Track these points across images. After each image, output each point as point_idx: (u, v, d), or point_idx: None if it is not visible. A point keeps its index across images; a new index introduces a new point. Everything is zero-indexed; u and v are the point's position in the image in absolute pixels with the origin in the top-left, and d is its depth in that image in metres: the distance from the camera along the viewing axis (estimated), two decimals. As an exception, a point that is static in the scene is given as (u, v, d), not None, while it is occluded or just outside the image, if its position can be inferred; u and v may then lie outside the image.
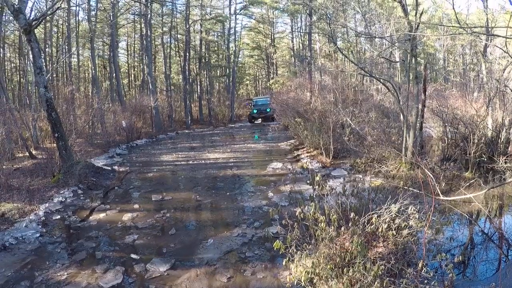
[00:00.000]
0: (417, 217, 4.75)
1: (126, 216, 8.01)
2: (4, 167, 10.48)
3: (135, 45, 41.80)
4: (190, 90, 34.81)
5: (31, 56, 12.57)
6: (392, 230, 4.72)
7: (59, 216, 8.11)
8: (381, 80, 12.21)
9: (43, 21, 13.85)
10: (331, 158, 12.59)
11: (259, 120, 31.48)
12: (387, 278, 3.75)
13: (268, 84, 43.42)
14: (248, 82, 61.51)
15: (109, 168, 13.20)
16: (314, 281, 3.88)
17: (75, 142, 13.77)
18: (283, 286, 4.49)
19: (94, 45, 28.14)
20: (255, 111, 31.38)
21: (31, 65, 14.19)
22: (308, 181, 9.80)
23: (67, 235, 7.15)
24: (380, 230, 4.69)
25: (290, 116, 17.81)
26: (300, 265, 3.83)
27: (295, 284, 4.11)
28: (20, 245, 6.55)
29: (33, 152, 14.90)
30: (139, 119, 22.58)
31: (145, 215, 8.16)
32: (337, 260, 4.02)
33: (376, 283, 3.61)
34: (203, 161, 14.50)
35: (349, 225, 4.48)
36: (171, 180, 11.65)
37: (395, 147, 11.07)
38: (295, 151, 15.54)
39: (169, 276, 5.28)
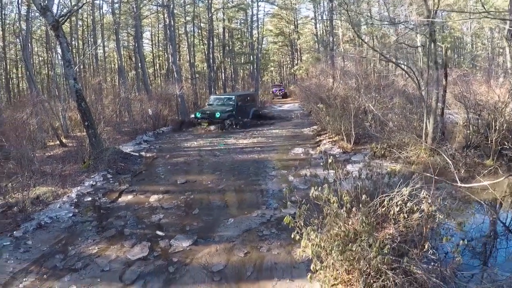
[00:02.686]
0: (429, 201, 4.83)
1: (153, 198, 8.46)
2: (37, 154, 11.03)
3: (159, 35, 42.32)
4: (215, 78, 35.06)
5: (59, 50, 13.13)
6: (403, 213, 4.83)
7: (90, 198, 8.61)
8: (400, 65, 12.25)
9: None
10: (352, 143, 12.71)
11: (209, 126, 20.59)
12: (389, 255, 3.96)
13: (292, 70, 43.44)
14: (273, 68, 61.53)
15: (137, 154, 13.68)
16: (321, 255, 4.13)
17: (104, 130, 14.33)
18: (295, 261, 4.77)
19: (119, 36, 28.71)
20: (198, 114, 21.35)
21: (59, 58, 14.74)
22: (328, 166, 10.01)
23: (98, 215, 7.64)
24: (392, 213, 4.84)
25: (313, 102, 17.97)
26: (307, 239, 4.11)
27: (303, 257, 4.38)
28: (55, 224, 7.07)
29: (63, 140, 15.57)
30: (165, 107, 23.00)
31: (171, 196, 8.60)
32: (342, 235, 4.24)
33: (377, 258, 3.84)
34: (227, 146, 14.85)
35: (360, 206, 4.66)
36: (196, 165, 12.05)
37: (415, 133, 11.09)
38: (317, 137, 15.69)
39: (191, 250, 5.68)
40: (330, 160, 5.32)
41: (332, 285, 4.15)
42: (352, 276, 4.10)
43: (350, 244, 3.99)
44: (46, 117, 15.97)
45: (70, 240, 6.32)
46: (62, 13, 11.47)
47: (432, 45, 10.60)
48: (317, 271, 3.98)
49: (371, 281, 3.95)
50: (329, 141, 14.24)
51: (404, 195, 4.87)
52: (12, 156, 10.31)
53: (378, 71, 17.00)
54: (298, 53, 45.22)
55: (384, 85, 15.93)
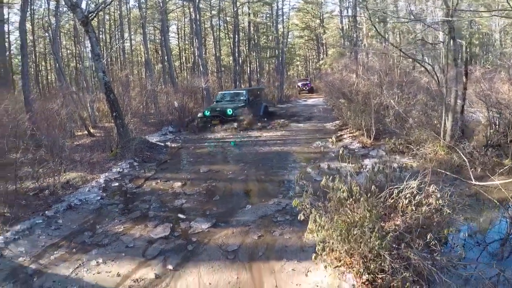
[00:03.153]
0: (438, 195, 5.02)
1: (176, 185, 8.93)
2: (66, 143, 11.61)
3: (185, 28, 42.86)
4: (240, 71, 35.35)
5: (88, 44, 13.68)
6: (411, 206, 5.02)
7: (117, 184, 9.13)
8: (419, 61, 12.32)
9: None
10: (372, 139, 12.83)
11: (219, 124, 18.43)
12: (388, 241, 4.21)
13: (317, 65, 43.38)
14: (298, 62, 61.51)
15: (162, 144, 14.18)
16: (325, 238, 4.43)
17: (131, 121, 14.87)
18: (305, 245, 5.08)
19: (146, 30, 29.35)
20: (206, 112, 18.97)
21: (88, 52, 15.31)
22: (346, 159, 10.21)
23: (124, 199, 8.14)
24: (400, 205, 5.07)
25: (335, 97, 18.13)
26: (313, 221, 4.42)
27: (310, 240, 4.70)
28: (84, 206, 7.60)
29: (91, 130, 16.20)
30: (191, 99, 23.42)
31: (193, 184, 9.06)
32: (348, 221, 4.50)
33: (376, 242, 4.12)
34: (250, 139, 15.20)
35: (368, 196, 4.85)
36: (220, 155, 12.51)
37: (434, 130, 11.14)
38: (339, 132, 15.84)
39: (209, 232, 6.08)
40: (341, 152, 5.56)
41: (335, 267, 4.45)
42: (353, 259, 4.39)
43: (352, 229, 4.26)
44: (75, 108, 16.62)
45: (97, 220, 6.82)
46: (91, 9, 11.92)
47: (451, 42, 10.67)
48: (321, 253, 4.26)
49: (370, 264, 4.24)
50: (349, 136, 14.42)
51: (413, 188, 5.09)
52: (43, 144, 10.92)
53: (403, 67, 16.91)
54: (324, 48, 45.12)
55: (407, 82, 15.93)
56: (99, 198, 8.00)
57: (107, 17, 33.36)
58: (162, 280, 4.67)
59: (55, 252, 5.54)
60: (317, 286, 4.34)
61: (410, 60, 21.97)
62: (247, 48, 37.25)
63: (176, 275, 4.76)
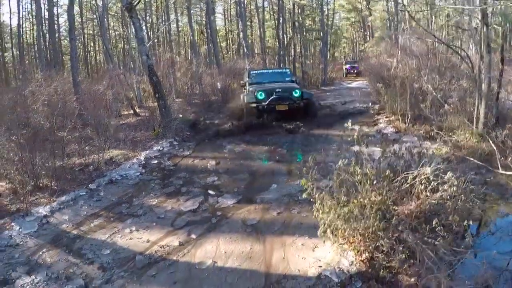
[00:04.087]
0: (455, 183, 4.94)
1: (210, 163, 9.55)
2: (112, 122, 12.43)
3: (231, 10, 43.25)
4: (284, 54, 35.44)
5: (133, 29, 14.36)
6: (426, 192, 5.05)
7: (156, 161, 9.83)
8: (452, 47, 12.22)
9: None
10: (406, 124, 12.79)
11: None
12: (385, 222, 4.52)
13: (363, 47, 42.78)
14: (345, 45, 60.85)
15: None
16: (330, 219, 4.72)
17: (174, 101, 15.55)
18: (318, 223, 5.40)
19: (191, 12, 30.00)
20: (261, 95, 13.83)
21: (134, 35, 15.98)
22: (377, 144, 10.39)
23: (161, 175, 8.81)
24: (416, 190, 5.11)
25: (374, 81, 18.13)
26: (320, 202, 4.81)
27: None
28: (124, 181, 8.33)
29: (137, 110, 17.08)
30: (234, 80, 23.88)
31: (226, 162, 9.71)
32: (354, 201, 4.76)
33: (375, 223, 4.44)
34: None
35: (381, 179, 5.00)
36: (255, 136, 12.80)
37: (468, 117, 11.06)
38: (376, 116, 15.89)
39: (234, 207, 6.64)
40: (357, 136, 5.72)
41: (340, 244, 4.85)
42: (355, 238, 4.78)
43: (354, 209, 4.60)
44: (121, 88, 17.52)
45: (135, 194, 7.52)
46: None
47: (485, 28, 10.52)
48: (325, 231, 4.66)
49: (369, 243, 4.61)
50: (385, 121, 14.45)
51: (428, 174, 5.07)
52: (89, 123, 11.81)
53: (444, 52, 16.58)
54: (370, 30, 44.39)
55: (446, 67, 15.76)
56: (138, 174, 8.73)
57: (153, -1, 34.29)
58: (184, 247, 5.28)
59: (94, 221, 6.27)
60: (320, 260, 4.76)
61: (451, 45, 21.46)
62: (291, 30, 37.19)
63: (197, 244, 5.35)
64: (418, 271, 4.30)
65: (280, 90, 14.00)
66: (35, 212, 6.44)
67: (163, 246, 5.31)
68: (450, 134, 10.56)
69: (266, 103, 13.54)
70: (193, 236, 5.56)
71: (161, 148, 10.98)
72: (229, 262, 4.88)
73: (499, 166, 6.21)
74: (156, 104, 13.94)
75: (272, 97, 13.58)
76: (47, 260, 5.09)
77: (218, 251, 5.12)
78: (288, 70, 17.53)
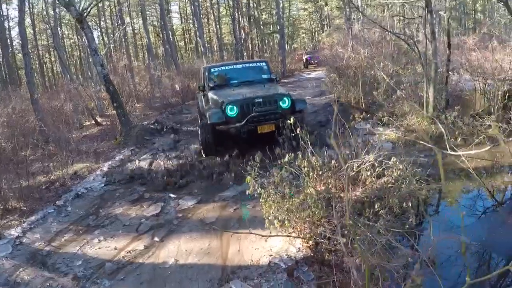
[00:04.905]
0: (400, 167, 5.48)
1: (170, 165, 9.92)
2: (74, 135, 12.70)
3: (187, 8, 43.26)
4: (241, 49, 35.78)
5: (85, 40, 14.55)
6: (371, 178, 5.57)
7: (119, 170, 10.08)
8: (400, 36, 12.86)
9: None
10: (361, 112, 13.16)
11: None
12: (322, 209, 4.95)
13: (320, 38, 43.36)
14: (304, 35, 61.53)
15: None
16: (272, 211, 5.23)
17: (134, 107, 15.81)
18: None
19: (146, 15, 30.09)
20: (232, 110, 9.44)
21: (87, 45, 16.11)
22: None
23: (124, 183, 9.09)
24: (362, 177, 5.67)
25: (329, 71, 18.69)
26: (264, 198, 5.31)
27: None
28: (89, 193, 8.63)
29: (99, 119, 17.31)
30: (192, 81, 24.14)
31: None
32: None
33: (314, 211, 4.96)
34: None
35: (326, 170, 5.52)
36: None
37: (419, 101, 11.63)
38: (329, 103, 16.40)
39: (194, 208, 7.13)
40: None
41: (289, 233, 5.36)
42: (300, 226, 5.34)
43: (295, 200, 5.10)
44: (80, 100, 17.67)
45: (101, 205, 7.87)
46: (85, 5, 12.74)
47: (429, 15, 11.13)
48: (271, 223, 5.12)
49: (313, 230, 5.15)
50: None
51: (372, 161, 5.54)
52: (51, 139, 12.05)
53: (396, 40, 17.14)
54: (328, 20, 45.15)
55: (398, 53, 16.32)
56: (102, 185, 9.01)
57: (106, 3, 34.05)
58: (149, 250, 5.74)
59: (64, 235, 6.60)
60: (271, 249, 5.27)
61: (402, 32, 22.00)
62: (248, 24, 37.58)
63: (160, 245, 5.82)
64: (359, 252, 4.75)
65: (261, 100, 9.44)
66: (8, 234, 6.67)
67: (129, 251, 5.74)
68: (402, 119, 10.98)
69: (242, 123, 9.23)
70: (157, 239, 6.01)
71: (123, 157, 11.19)
72: (189, 259, 5.35)
73: (448, 148, 6.25)
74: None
75: (253, 114, 9.22)
76: (25, 278, 5.40)
77: (179, 250, 5.60)
78: (264, 63, 12.36)
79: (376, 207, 4.97)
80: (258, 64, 12.64)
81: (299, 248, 5.21)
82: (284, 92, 10.08)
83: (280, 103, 9.50)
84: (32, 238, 6.65)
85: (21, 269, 5.67)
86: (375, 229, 4.69)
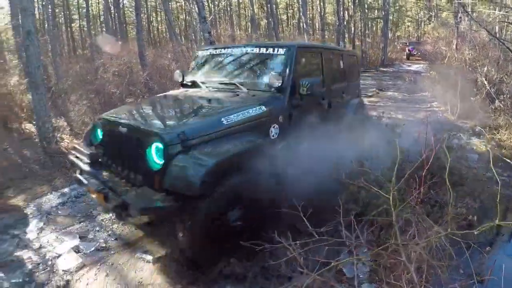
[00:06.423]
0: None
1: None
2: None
3: (292, -16, 43.17)
4: (343, 31, 35.11)
5: (196, 7, 15.13)
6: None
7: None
8: (504, 43, 11.97)
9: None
10: (455, 116, 12.72)
11: None
12: None
13: (426, 29, 41.43)
14: (409, 23, 59.07)
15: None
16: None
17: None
18: None
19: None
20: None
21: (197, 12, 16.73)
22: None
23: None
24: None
25: (428, 68, 18.01)
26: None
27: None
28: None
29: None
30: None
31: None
32: None
33: None
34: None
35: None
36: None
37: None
38: (427, 104, 15.87)
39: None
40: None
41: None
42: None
43: None
44: (184, 60, 18.51)
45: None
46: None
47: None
48: None
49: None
50: (437, 110, 14.44)
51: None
52: (156, 91, 12.87)
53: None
54: (435, 11, 42.94)
55: (503, 59, 15.27)
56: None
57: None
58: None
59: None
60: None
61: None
62: (352, 6, 36.70)
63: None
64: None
65: (126, 130, 4.20)
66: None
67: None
68: (495, 132, 10.39)
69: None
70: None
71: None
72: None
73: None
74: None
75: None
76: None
77: None
78: (284, 49, 5.35)
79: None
80: (276, 51, 5.39)
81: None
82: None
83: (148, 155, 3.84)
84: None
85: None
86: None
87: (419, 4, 52.16)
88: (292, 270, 3.69)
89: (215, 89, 5.59)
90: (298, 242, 3.58)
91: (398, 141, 4.44)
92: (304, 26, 29.60)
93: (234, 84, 5.37)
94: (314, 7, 43.42)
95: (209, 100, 4.91)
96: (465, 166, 5.96)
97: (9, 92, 12.11)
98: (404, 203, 4.04)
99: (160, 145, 3.70)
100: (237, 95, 5.05)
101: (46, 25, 22.49)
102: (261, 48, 5.57)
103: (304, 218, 3.75)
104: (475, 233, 3.30)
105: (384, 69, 31.60)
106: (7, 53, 20.08)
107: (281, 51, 5.34)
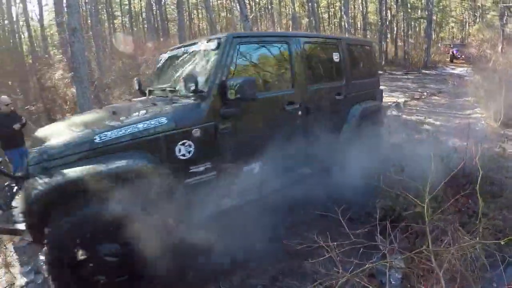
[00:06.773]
0: None
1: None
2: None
3: (335, -19, 42.90)
4: (386, 31, 34.51)
5: (237, 6, 15.30)
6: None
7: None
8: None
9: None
10: (499, 123, 12.22)
11: None
12: None
13: (471, 31, 40.17)
14: (453, 24, 57.35)
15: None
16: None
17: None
18: None
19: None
20: None
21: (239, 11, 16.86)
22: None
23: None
24: None
25: (473, 72, 17.50)
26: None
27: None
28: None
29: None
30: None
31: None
32: None
33: None
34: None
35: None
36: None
37: None
38: (468, 110, 15.38)
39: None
40: None
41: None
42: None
43: None
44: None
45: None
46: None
47: None
48: None
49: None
50: (480, 116, 14.03)
51: None
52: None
53: None
54: (480, 11, 41.53)
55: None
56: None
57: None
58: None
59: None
60: None
61: None
62: (395, 5, 36.00)
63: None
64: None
65: None
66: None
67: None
68: None
69: None
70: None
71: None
72: None
73: None
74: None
75: None
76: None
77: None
78: (217, 47, 4.27)
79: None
80: (207, 47, 4.46)
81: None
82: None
83: None
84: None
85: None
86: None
87: (463, 4, 50.53)
88: (326, 270, 3.57)
89: (157, 97, 4.81)
90: (335, 243, 3.50)
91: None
92: (346, 26, 29.24)
93: (173, 90, 4.56)
94: (356, 6, 42.93)
95: (114, 113, 4.01)
96: (505, 177, 5.78)
97: (54, 85, 12.61)
98: (439, 210, 4.00)
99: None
100: (154, 104, 4.17)
101: (89, 21, 23.23)
102: (195, 45, 4.75)
103: (342, 221, 3.63)
104: (502, 243, 3.22)
105: (427, 71, 30.82)
106: (51, 48, 20.93)
107: (212, 45, 4.34)
